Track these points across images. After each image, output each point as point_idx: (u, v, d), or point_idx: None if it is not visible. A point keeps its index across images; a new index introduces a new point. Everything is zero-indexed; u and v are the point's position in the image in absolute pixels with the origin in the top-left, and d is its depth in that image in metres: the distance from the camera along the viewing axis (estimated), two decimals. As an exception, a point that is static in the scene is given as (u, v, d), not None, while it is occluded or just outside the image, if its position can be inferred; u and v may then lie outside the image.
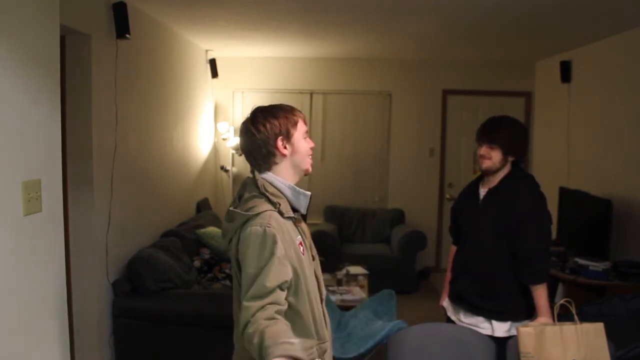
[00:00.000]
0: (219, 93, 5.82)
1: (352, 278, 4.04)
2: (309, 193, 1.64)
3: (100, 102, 3.01)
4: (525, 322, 2.13)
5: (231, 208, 1.61)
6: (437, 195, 5.96)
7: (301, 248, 1.59)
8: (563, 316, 2.14)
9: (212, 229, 4.34)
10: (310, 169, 1.68)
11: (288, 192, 1.61)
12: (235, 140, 5.71)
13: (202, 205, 5.12)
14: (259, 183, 1.58)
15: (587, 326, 1.93)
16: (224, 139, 5.77)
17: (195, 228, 4.25)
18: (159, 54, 4.04)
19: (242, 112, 5.94)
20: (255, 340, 1.35)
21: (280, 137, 1.59)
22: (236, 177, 5.98)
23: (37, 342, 1.65)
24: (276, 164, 1.61)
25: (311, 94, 5.89)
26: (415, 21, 3.88)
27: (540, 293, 2.13)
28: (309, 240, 1.70)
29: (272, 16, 3.82)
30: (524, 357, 1.93)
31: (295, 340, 1.34)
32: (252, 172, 1.64)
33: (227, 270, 3.85)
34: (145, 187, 3.75)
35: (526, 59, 5.68)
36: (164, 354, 3.18)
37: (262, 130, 1.58)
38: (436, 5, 3.41)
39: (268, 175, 1.61)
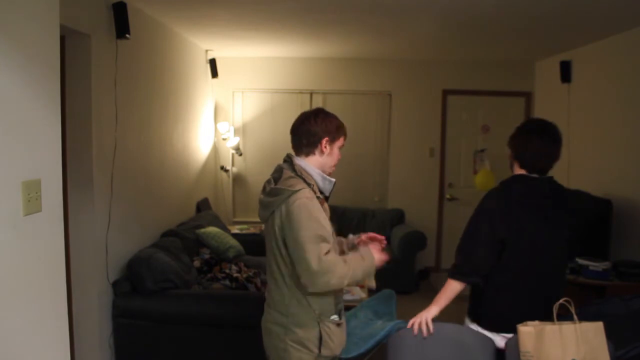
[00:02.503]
0: (219, 93, 5.82)
1: (352, 278, 4.03)
2: (333, 180, 2.03)
3: (100, 102, 3.01)
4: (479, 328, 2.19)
5: (273, 185, 1.95)
6: (437, 195, 5.96)
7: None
8: (562, 316, 2.14)
9: (212, 229, 4.34)
10: (330, 172, 2.05)
11: (318, 178, 1.98)
12: (235, 140, 5.71)
13: (202, 205, 5.13)
14: (297, 168, 1.96)
15: (587, 325, 1.93)
16: (224, 139, 5.77)
17: (195, 228, 4.25)
18: (159, 54, 4.04)
19: (242, 112, 5.95)
20: (345, 271, 1.87)
21: (326, 138, 1.98)
22: (236, 177, 5.98)
23: (37, 342, 1.65)
24: (313, 154, 1.99)
25: (311, 94, 5.89)
26: (415, 21, 3.88)
27: (446, 285, 2.25)
28: (329, 220, 2.04)
29: (272, 16, 3.82)
30: (523, 356, 1.93)
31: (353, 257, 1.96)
32: (287, 160, 2.02)
33: (227, 270, 3.85)
34: (145, 187, 3.75)
35: (526, 59, 5.68)
36: (163, 354, 3.18)
37: (320, 124, 1.98)
38: (436, 5, 3.41)
39: (302, 162, 1.98)
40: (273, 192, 1.93)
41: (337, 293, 2.02)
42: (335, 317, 1.99)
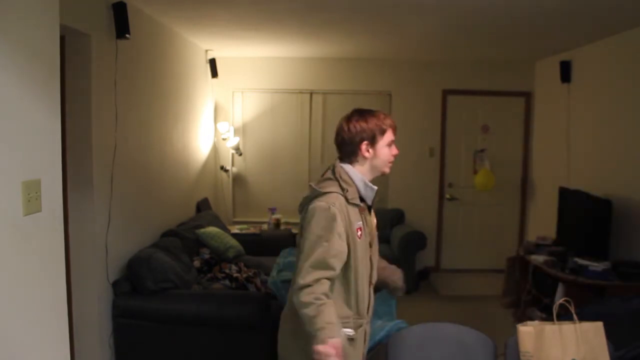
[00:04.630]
0: (219, 93, 5.82)
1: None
2: (375, 187, 1.92)
3: (100, 102, 3.01)
4: None
5: (311, 184, 1.90)
6: (437, 195, 5.96)
7: (359, 232, 1.84)
8: (562, 316, 2.14)
9: (212, 229, 4.34)
10: (387, 171, 1.96)
11: (360, 184, 1.87)
12: (235, 140, 5.71)
13: (202, 205, 5.13)
14: (337, 170, 1.88)
15: (587, 325, 1.93)
16: (224, 139, 5.77)
17: (195, 228, 4.25)
18: (159, 54, 4.04)
19: (242, 112, 5.95)
20: (312, 313, 1.68)
21: (365, 142, 1.86)
22: (236, 177, 5.98)
23: (37, 342, 1.65)
24: (357, 161, 1.89)
25: (311, 94, 5.89)
26: (416, 21, 3.88)
27: None
28: (370, 229, 1.94)
29: (272, 16, 3.82)
30: (523, 356, 1.93)
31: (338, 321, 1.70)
32: (337, 159, 1.94)
33: (227, 270, 3.85)
34: (145, 187, 3.75)
35: (526, 59, 5.68)
36: (163, 354, 3.18)
37: (352, 130, 1.86)
38: (436, 5, 3.41)
39: (347, 166, 1.89)
40: (309, 190, 1.90)
41: (359, 307, 1.89)
42: (348, 330, 1.84)
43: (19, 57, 1.56)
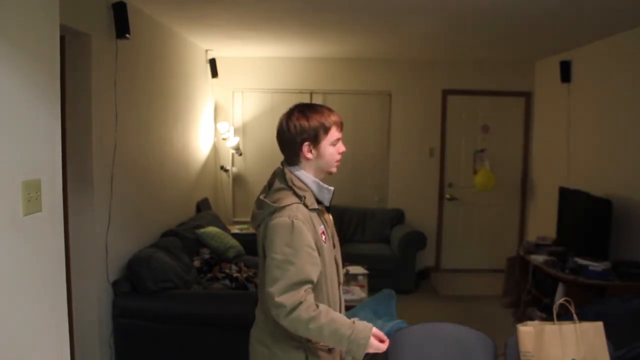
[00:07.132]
0: (219, 93, 5.82)
1: (352, 278, 4.04)
2: (332, 188, 1.76)
3: (100, 102, 3.01)
4: None
5: (261, 197, 1.74)
6: (437, 195, 5.96)
7: (323, 237, 1.71)
8: (562, 316, 2.14)
9: (212, 229, 4.35)
10: (333, 171, 1.77)
11: (314, 187, 1.72)
12: (235, 140, 5.71)
13: (202, 205, 5.13)
14: (287, 177, 1.71)
15: (587, 325, 1.93)
16: (224, 139, 5.77)
17: (195, 228, 4.25)
18: (159, 54, 4.04)
19: (242, 112, 5.95)
20: (323, 321, 1.54)
21: (307, 143, 1.69)
22: (236, 177, 5.98)
23: (37, 342, 1.65)
24: (301, 162, 1.72)
25: (311, 94, 5.89)
26: (416, 21, 3.88)
27: None
28: (331, 230, 1.82)
29: (272, 16, 3.82)
30: (523, 356, 1.93)
31: (354, 319, 1.59)
32: (282, 163, 1.77)
33: (227, 270, 3.85)
34: (145, 187, 3.76)
35: (526, 59, 5.68)
36: (163, 354, 3.18)
37: (292, 130, 1.69)
38: (436, 5, 3.41)
39: (296, 170, 1.73)
40: (259, 205, 1.73)
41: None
42: None
43: (19, 57, 1.56)
